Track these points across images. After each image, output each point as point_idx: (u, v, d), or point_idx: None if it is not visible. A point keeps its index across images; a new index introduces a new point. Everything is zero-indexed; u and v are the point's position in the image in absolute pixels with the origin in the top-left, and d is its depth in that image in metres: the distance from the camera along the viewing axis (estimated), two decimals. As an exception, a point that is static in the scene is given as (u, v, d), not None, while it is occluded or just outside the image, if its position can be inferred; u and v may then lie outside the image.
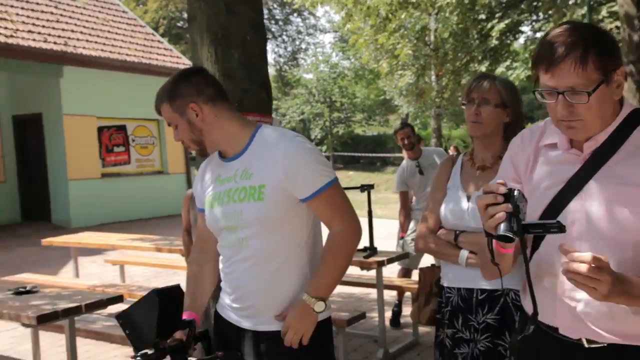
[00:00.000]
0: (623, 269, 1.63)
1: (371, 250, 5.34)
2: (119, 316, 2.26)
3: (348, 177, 24.11)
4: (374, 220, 5.63)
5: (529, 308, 1.83)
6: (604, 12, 14.29)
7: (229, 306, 2.46)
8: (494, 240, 1.61)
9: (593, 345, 1.75)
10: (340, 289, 7.04)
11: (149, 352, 2.21)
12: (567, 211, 1.75)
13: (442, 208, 2.77)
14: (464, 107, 2.76)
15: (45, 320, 3.80)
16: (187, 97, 2.33)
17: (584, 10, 13.88)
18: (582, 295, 1.66)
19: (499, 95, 2.66)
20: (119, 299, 4.09)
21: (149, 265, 6.52)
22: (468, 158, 2.80)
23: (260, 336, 2.37)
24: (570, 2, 14.63)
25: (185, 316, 2.40)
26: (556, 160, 1.84)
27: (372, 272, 5.38)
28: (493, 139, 2.69)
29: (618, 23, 13.10)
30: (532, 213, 1.73)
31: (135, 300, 2.47)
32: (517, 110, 2.69)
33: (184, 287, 2.38)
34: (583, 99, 1.64)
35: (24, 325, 4.36)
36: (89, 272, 7.58)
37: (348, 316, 4.74)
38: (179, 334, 2.33)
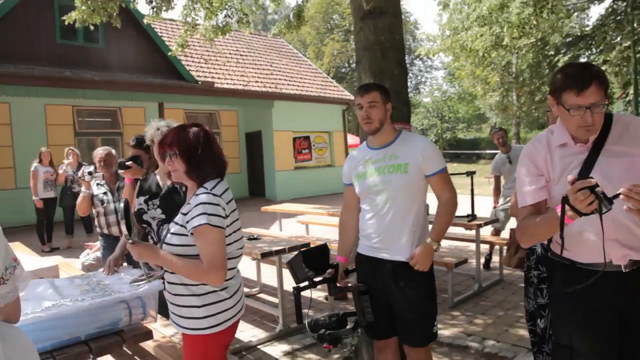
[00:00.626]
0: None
1: (472, 216, 5.20)
2: (288, 262, 2.48)
3: (453, 168, 23.34)
4: (476, 196, 5.48)
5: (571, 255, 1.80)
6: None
7: (370, 247, 2.51)
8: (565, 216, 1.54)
9: (629, 269, 1.73)
10: (450, 242, 6.93)
11: (302, 285, 2.47)
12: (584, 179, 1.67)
13: None
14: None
15: (264, 256, 4.03)
16: (388, 97, 2.50)
17: (631, 44, 12.47)
18: (620, 233, 1.69)
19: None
20: (307, 245, 4.25)
21: (324, 225, 6.69)
22: None
23: (395, 264, 2.43)
24: (616, 40, 13.18)
25: (338, 259, 2.61)
26: (570, 153, 1.81)
27: (472, 232, 5.23)
28: None
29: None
30: (564, 188, 1.61)
31: (316, 246, 2.63)
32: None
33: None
34: (600, 109, 1.69)
35: (252, 258, 4.55)
36: (288, 228, 7.91)
37: (455, 261, 4.65)
38: (330, 272, 2.56)
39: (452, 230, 5.53)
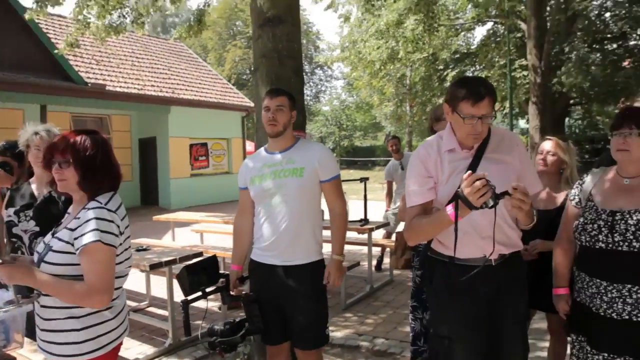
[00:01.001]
0: (510, 211, 1.85)
1: (365, 221, 5.37)
2: (177, 276, 2.43)
3: (349, 174, 24.10)
4: (369, 201, 5.68)
5: (449, 251, 1.94)
6: (516, 64, 14.12)
7: (263, 252, 2.50)
8: (450, 212, 1.71)
9: (498, 262, 1.95)
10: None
11: (191, 297, 2.41)
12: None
13: None
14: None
15: (154, 267, 3.87)
16: (293, 107, 2.53)
17: (506, 63, 13.72)
18: (493, 232, 1.82)
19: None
20: (199, 254, 4.14)
21: (219, 233, 6.55)
22: None
23: (287, 268, 2.44)
24: (495, 60, 14.46)
25: (232, 268, 2.60)
26: (457, 158, 1.99)
27: (365, 235, 5.41)
28: None
29: (525, 72, 12.96)
30: (452, 188, 1.79)
31: (210, 255, 2.58)
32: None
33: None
34: (489, 121, 1.89)
35: (141, 270, 4.35)
36: (182, 237, 7.64)
37: (348, 264, 4.77)
38: (222, 281, 2.55)
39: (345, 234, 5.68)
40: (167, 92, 13.90)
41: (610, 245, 1.89)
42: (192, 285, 2.40)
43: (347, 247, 6.85)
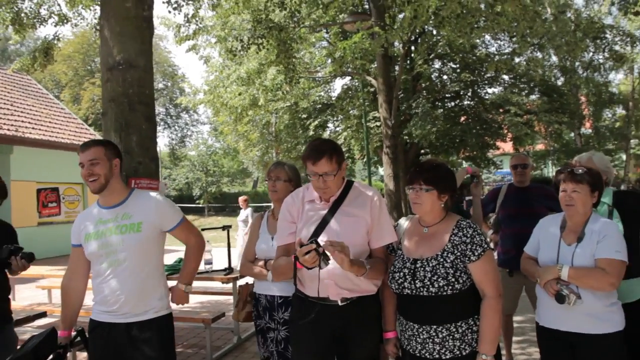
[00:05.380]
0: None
1: (229, 269, 5.25)
2: None
3: (217, 221, 23.75)
4: (234, 249, 5.58)
5: (305, 290, 2.23)
6: (370, 116, 15.30)
7: (104, 311, 2.36)
8: (298, 264, 1.97)
9: (344, 303, 2.18)
10: (208, 297, 6.85)
11: None
12: (324, 232, 2.17)
13: (256, 246, 2.87)
14: (265, 182, 3.00)
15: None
16: (115, 156, 2.40)
17: (362, 115, 14.83)
18: (337, 278, 2.12)
19: (287, 174, 2.84)
20: (42, 314, 3.71)
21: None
22: (271, 213, 2.94)
23: (132, 325, 2.32)
24: (351, 112, 15.53)
25: (61, 335, 2.39)
26: (315, 208, 2.27)
27: (230, 285, 5.29)
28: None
29: (378, 123, 14.09)
30: (307, 235, 2.18)
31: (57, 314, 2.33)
32: (298, 182, 2.88)
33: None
34: (331, 177, 2.16)
35: None
36: (25, 295, 6.77)
37: (212, 315, 4.62)
38: (57, 352, 2.35)
39: (210, 284, 5.51)
40: (9, 129, 12.48)
41: (414, 291, 2.10)
42: None
43: (211, 298, 6.80)
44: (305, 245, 1.91)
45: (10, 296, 4.70)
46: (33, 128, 13.46)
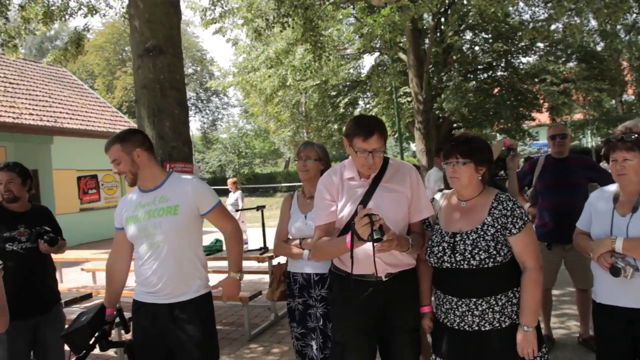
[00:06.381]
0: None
1: (264, 249, 5.35)
2: (63, 336, 2.33)
3: (251, 201, 23.94)
4: (269, 228, 5.64)
5: (347, 268, 2.14)
6: (401, 91, 15.07)
7: (147, 292, 2.43)
8: (347, 241, 1.99)
9: (387, 278, 2.20)
10: (244, 276, 6.97)
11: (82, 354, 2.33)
12: (367, 208, 2.06)
13: (289, 225, 2.89)
14: (296, 162, 2.96)
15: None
16: (134, 145, 2.38)
17: (392, 90, 14.63)
18: (382, 254, 2.08)
19: (317, 153, 2.81)
20: (88, 296, 3.86)
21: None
22: (301, 192, 2.95)
23: (174, 306, 2.38)
24: (383, 88, 15.30)
25: (107, 312, 2.48)
26: (355, 185, 2.26)
27: (265, 264, 5.38)
28: (315, 180, 2.81)
29: (409, 98, 13.87)
30: (349, 213, 2.19)
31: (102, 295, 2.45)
32: (328, 161, 2.89)
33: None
34: (379, 154, 2.16)
35: None
36: (71, 278, 7.07)
37: (249, 294, 4.72)
38: (104, 327, 2.44)
39: (246, 263, 5.60)
40: (48, 121, 12.87)
41: (454, 264, 2.09)
42: (83, 342, 2.32)
43: (248, 277, 6.92)
44: (366, 215, 1.88)
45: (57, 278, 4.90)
46: (70, 118, 13.85)
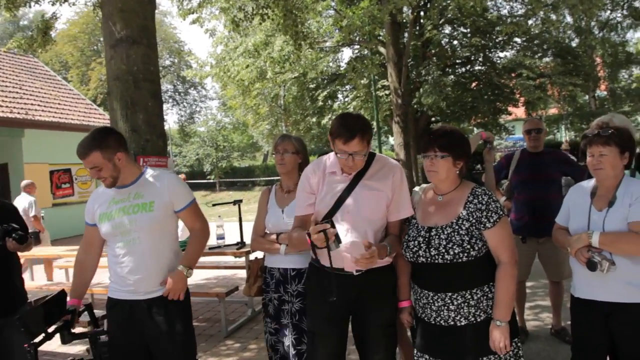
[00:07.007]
0: (375, 234, 2.22)
1: (241, 244, 5.29)
2: (17, 319, 2.19)
3: (229, 196, 23.88)
4: (246, 223, 5.59)
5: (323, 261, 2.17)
6: (379, 84, 15.08)
7: (121, 289, 2.39)
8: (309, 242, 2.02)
9: (358, 273, 2.20)
10: (220, 272, 6.93)
11: (38, 340, 2.22)
12: (345, 205, 2.19)
13: (266, 220, 2.85)
14: (273, 156, 2.92)
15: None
16: (114, 149, 2.31)
17: (371, 84, 14.64)
18: (352, 251, 2.10)
19: (294, 146, 2.77)
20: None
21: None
22: (278, 187, 2.91)
23: (150, 301, 2.35)
24: (362, 82, 15.28)
25: (70, 303, 2.40)
26: (336, 180, 2.25)
27: (242, 259, 5.34)
28: (293, 173, 2.79)
29: (387, 91, 13.89)
30: (326, 207, 2.21)
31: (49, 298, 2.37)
32: (306, 155, 2.85)
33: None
34: (360, 157, 2.14)
35: None
36: (42, 275, 6.91)
37: (226, 289, 4.68)
38: (65, 318, 2.34)
39: (223, 259, 5.56)
40: (19, 113, 12.52)
41: (429, 259, 2.08)
42: (38, 327, 2.22)
43: (224, 272, 6.87)
44: (318, 224, 1.95)
45: (27, 276, 4.79)
46: (43, 110, 13.49)
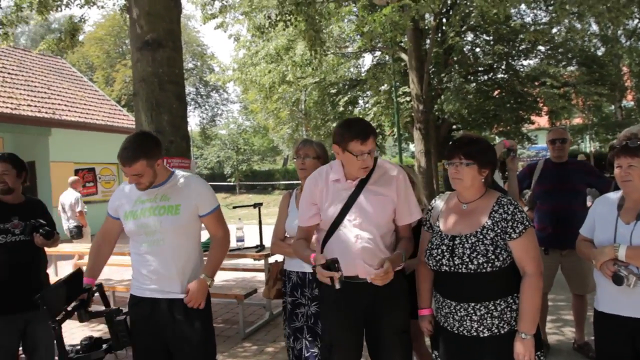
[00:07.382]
0: (384, 238, 2.22)
1: (260, 246, 5.31)
2: (38, 297, 2.23)
3: (249, 199, 24.04)
4: (266, 226, 5.61)
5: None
6: (400, 91, 15.02)
7: (144, 287, 2.42)
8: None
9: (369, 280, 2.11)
10: (239, 274, 6.97)
11: (59, 318, 2.27)
12: (351, 211, 2.20)
13: (286, 224, 2.87)
14: (294, 160, 2.94)
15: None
16: (157, 157, 2.34)
17: (392, 90, 14.58)
18: (365, 257, 2.16)
19: (315, 151, 2.79)
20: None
21: (108, 265, 6.12)
22: (299, 191, 2.90)
23: (171, 302, 2.38)
24: (383, 88, 15.25)
25: (86, 282, 2.43)
26: (341, 187, 2.26)
27: (262, 262, 5.35)
28: None
29: (408, 98, 13.83)
30: (333, 215, 2.22)
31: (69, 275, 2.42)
32: (326, 160, 2.84)
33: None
34: (373, 154, 2.18)
35: None
36: (66, 271, 7.00)
37: (244, 292, 4.70)
38: (82, 296, 2.37)
39: (242, 261, 5.59)
40: (47, 112, 12.82)
41: (452, 268, 2.05)
42: (59, 304, 2.28)
43: (243, 275, 6.89)
44: (323, 264, 1.98)
45: (51, 271, 4.88)
46: (69, 110, 13.80)
